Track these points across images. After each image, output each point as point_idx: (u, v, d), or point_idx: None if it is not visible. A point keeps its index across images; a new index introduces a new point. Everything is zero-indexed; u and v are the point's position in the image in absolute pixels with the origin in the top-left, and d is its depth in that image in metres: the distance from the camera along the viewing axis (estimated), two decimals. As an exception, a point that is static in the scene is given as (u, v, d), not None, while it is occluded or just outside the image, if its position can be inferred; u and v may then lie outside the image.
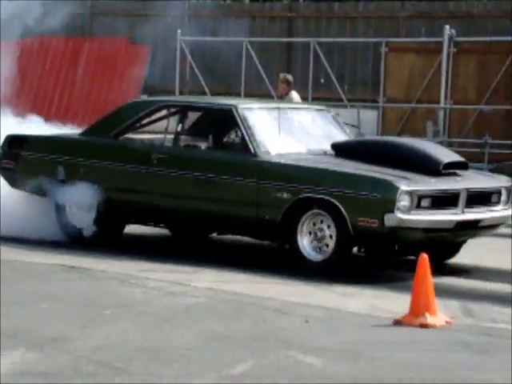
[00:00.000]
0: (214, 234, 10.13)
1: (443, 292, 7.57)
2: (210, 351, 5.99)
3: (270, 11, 21.96)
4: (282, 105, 9.42)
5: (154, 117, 10.03)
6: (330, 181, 8.64)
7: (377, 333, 6.67)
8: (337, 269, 8.48)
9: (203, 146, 9.44)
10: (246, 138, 9.06)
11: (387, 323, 6.84)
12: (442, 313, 6.95)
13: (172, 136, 9.60)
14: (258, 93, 19.39)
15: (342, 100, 18.93)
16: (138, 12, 22.70)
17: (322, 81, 19.66)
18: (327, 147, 9.35)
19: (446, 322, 6.87)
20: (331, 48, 20.50)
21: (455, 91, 19.21)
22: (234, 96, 19.07)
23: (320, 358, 5.88)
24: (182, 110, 9.82)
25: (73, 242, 9.60)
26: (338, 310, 7.35)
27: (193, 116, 10.19)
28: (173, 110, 10.01)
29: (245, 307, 7.30)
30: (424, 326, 6.70)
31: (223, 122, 9.66)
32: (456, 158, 9.30)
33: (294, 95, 13.33)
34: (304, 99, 17.67)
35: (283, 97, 13.36)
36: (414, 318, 6.76)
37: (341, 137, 9.76)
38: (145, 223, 9.99)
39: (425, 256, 6.88)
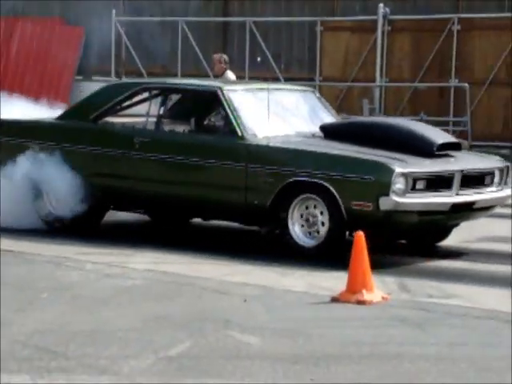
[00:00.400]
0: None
1: (381, 269, 7.63)
2: (147, 333, 5.96)
3: (205, -10, 21.86)
4: (267, 86, 9.20)
5: (134, 99, 9.82)
6: (322, 164, 8.43)
7: (314, 310, 6.70)
8: (330, 254, 8.28)
9: (187, 129, 9.23)
10: (233, 121, 8.87)
11: (325, 300, 6.88)
12: (378, 289, 7.01)
13: (154, 119, 9.39)
14: (195, 73, 19.34)
15: (278, 79, 18.94)
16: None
17: (259, 60, 19.64)
18: (315, 129, 9.18)
19: (383, 297, 6.92)
20: (267, 27, 20.50)
21: (390, 69, 19.36)
22: (171, 76, 18.99)
23: (258, 337, 5.89)
24: (164, 93, 9.63)
25: (52, 230, 9.36)
26: (276, 288, 7.36)
27: (175, 98, 9.95)
28: (154, 92, 9.78)
29: (182, 288, 7.29)
30: (361, 302, 6.75)
31: (208, 105, 9.47)
32: (449, 138, 9.17)
33: (230, 75, 13.29)
34: (241, 78, 17.66)
35: (219, 76, 13.32)
36: (350, 295, 6.80)
37: (328, 118, 9.60)
38: (126, 209, 9.73)
39: (361, 233, 6.92)
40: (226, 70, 13.35)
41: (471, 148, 11.85)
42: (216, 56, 13.74)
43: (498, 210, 9.32)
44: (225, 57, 13.69)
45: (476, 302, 7.06)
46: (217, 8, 21.33)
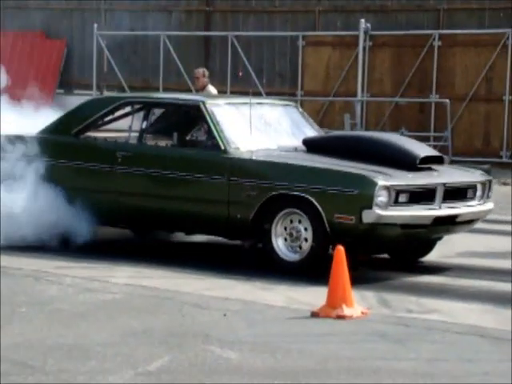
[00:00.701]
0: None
1: (361, 283, 7.64)
2: (126, 347, 5.94)
3: (187, 5, 21.93)
4: (250, 100, 9.23)
5: (117, 114, 9.81)
6: (304, 177, 8.41)
7: (294, 325, 6.69)
8: (313, 269, 8.24)
9: (170, 143, 9.22)
10: (215, 135, 8.85)
11: (304, 315, 6.87)
12: (358, 304, 7.01)
13: (137, 134, 9.37)
14: (177, 87, 19.38)
15: (260, 93, 18.97)
16: (52, 6, 22.44)
17: (240, 74, 19.66)
18: (298, 143, 9.19)
19: (363, 312, 6.93)
20: (249, 42, 20.57)
21: (371, 84, 19.44)
22: (153, 90, 18.99)
23: (237, 352, 5.88)
24: (147, 107, 9.60)
25: (36, 246, 9.19)
26: (256, 303, 7.35)
27: (158, 113, 9.92)
28: (137, 106, 9.77)
29: (162, 302, 7.28)
30: (341, 317, 6.75)
31: (190, 119, 9.45)
32: (432, 152, 9.17)
33: (211, 89, 13.34)
34: (222, 92, 17.70)
35: (201, 91, 13.35)
36: (330, 310, 6.80)
37: (310, 132, 9.60)
38: (109, 224, 9.64)
39: (341, 248, 6.92)
40: (207, 84, 13.40)
41: (452, 163, 11.87)
42: (198, 70, 13.79)
43: (476, 225, 9.35)
44: (205, 71, 13.75)
45: (456, 317, 7.07)
46: (199, 22, 21.39)
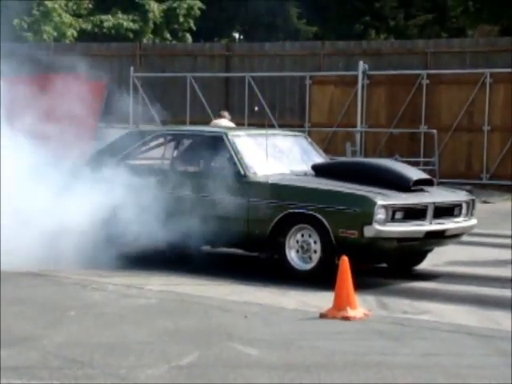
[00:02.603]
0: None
1: (363, 289, 7.61)
2: (160, 345, 5.93)
3: (210, 50, 22.02)
4: (265, 131, 9.25)
5: (151, 144, 9.83)
6: (314, 197, 8.40)
7: (305, 325, 6.67)
8: (321, 276, 8.20)
9: (196, 169, 9.23)
10: (236, 162, 8.86)
11: (314, 316, 6.85)
12: (360, 306, 6.99)
13: (168, 161, 9.43)
14: (201, 120, 19.38)
15: (273, 126, 18.98)
16: (94, 52, 22.57)
17: (256, 109, 19.69)
18: (307, 168, 9.18)
19: (364, 314, 6.90)
20: (263, 81, 20.59)
21: (369, 117, 19.44)
22: (181, 123, 19.03)
23: (256, 349, 5.86)
24: (176, 138, 9.65)
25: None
26: (272, 306, 7.33)
27: (186, 143, 9.86)
28: (168, 138, 9.81)
29: (191, 306, 7.26)
30: (346, 318, 6.72)
31: (214, 148, 9.35)
32: (423, 175, 9.13)
33: (226, 122, 14.28)
34: (241, 125, 17.73)
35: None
36: (337, 312, 6.78)
37: (318, 159, 9.59)
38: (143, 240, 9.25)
39: (345, 258, 6.90)
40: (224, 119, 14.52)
41: (439, 185, 11.82)
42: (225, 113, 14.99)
43: (462, 238, 9.31)
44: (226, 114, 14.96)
45: (445, 317, 7.04)
46: (220, 65, 21.45)
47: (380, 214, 8.12)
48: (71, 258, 8.68)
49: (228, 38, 35.80)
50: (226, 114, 15.09)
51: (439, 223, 8.59)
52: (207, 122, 19.08)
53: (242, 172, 8.84)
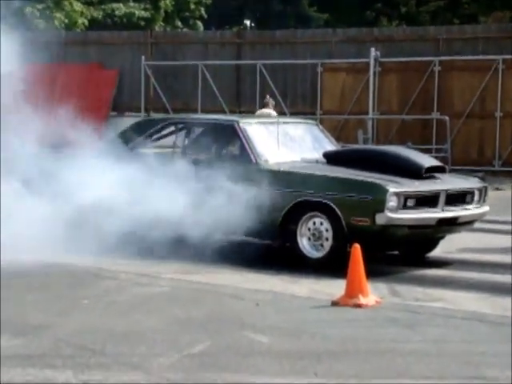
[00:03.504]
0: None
1: (375, 276, 7.58)
2: (172, 333, 5.94)
3: (221, 38, 21.97)
4: (277, 119, 9.17)
5: (163, 132, 9.81)
6: (325, 185, 8.37)
7: (317, 313, 6.66)
8: (333, 264, 8.17)
9: (208, 157, 9.16)
10: (248, 150, 8.84)
11: (326, 304, 6.84)
12: (372, 294, 6.97)
13: (179, 149, 9.40)
14: (213, 109, 19.39)
15: (285, 113, 18.96)
16: (106, 41, 22.55)
17: (268, 97, 19.66)
18: (318, 156, 9.14)
19: (376, 301, 6.88)
20: (274, 69, 20.54)
21: (381, 104, 19.37)
22: (192, 112, 19.02)
23: (269, 336, 5.86)
24: (188, 126, 9.62)
25: None
26: (284, 294, 7.33)
27: (198, 131, 9.79)
28: (180, 126, 9.78)
29: (203, 294, 7.26)
30: (357, 305, 6.71)
31: (225, 136, 9.32)
32: (435, 162, 9.10)
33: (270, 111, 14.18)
34: (252, 112, 17.69)
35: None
36: (349, 299, 6.77)
37: (329, 146, 9.55)
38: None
39: (357, 246, 6.89)
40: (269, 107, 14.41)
41: (451, 172, 11.78)
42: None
43: (475, 225, 9.28)
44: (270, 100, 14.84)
45: (458, 304, 7.02)
46: (231, 52, 21.40)
47: (392, 202, 8.09)
48: None
49: (239, 25, 35.70)
50: (270, 100, 14.83)
51: (451, 210, 8.56)
52: (218, 111, 19.11)
53: (254, 160, 8.82)
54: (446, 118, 18.24)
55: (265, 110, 14.34)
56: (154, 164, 9.30)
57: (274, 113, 14.10)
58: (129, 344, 5.63)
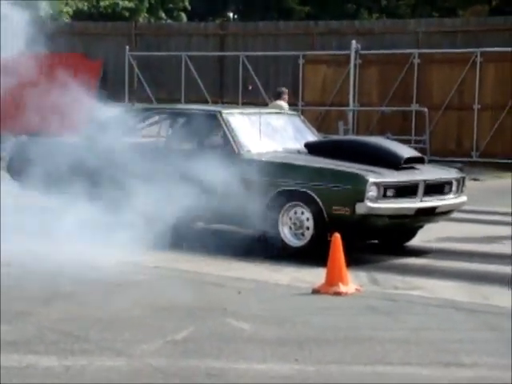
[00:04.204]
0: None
1: (355, 265, 7.60)
2: (156, 320, 5.92)
3: (204, 30, 21.91)
4: (259, 110, 9.15)
5: (146, 122, 9.78)
6: (307, 175, 8.36)
7: (298, 300, 6.67)
8: (314, 252, 8.16)
9: (191, 146, 9.12)
10: (230, 139, 8.81)
11: (307, 292, 6.85)
12: (352, 282, 6.98)
13: (163, 139, 9.32)
14: (196, 99, 19.33)
15: (267, 104, 18.91)
16: (91, 31, 22.43)
17: (250, 88, 19.66)
18: (300, 146, 9.13)
19: (356, 289, 6.90)
20: (257, 60, 20.51)
21: (361, 96, 19.39)
22: (176, 102, 18.96)
23: (250, 324, 5.86)
24: (172, 116, 9.57)
25: None
26: (266, 282, 7.33)
27: (181, 121, 9.74)
28: (163, 115, 9.75)
29: (186, 282, 7.25)
30: (338, 293, 6.72)
31: (208, 126, 9.27)
32: (414, 153, 9.11)
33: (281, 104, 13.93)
34: (235, 103, 17.67)
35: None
36: (329, 287, 6.78)
37: (310, 137, 9.53)
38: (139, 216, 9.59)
39: (337, 235, 6.89)
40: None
41: (430, 163, 11.81)
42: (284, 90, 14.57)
43: (452, 215, 9.31)
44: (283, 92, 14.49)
45: (435, 293, 7.05)
46: (214, 44, 21.35)
47: (372, 192, 8.10)
48: None
49: (222, 17, 35.60)
50: (283, 90, 14.62)
51: (430, 200, 8.58)
52: (202, 101, 19.05)
53: (236, 150, 8.80)
54: (425, 109, 18.29)
55: (277, 102, 14.16)
56: (139, 153, 9.28)
57: (286, 105, 13.98)
58: (113, 331, 5.61)
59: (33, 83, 10.79)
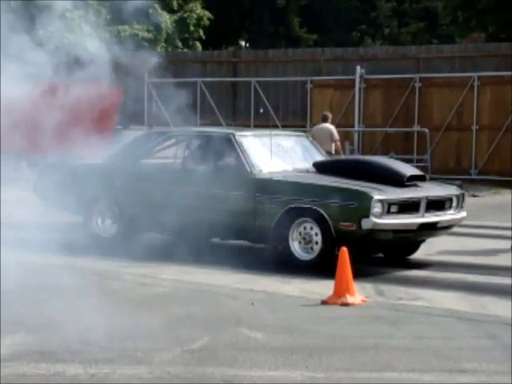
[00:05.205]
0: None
1: (361, 277, 7.59)
2: (174, 330, 5.92)
3: (218, 57, 22.00)
4: (270, 132, 9.23)
5: (165, 144, 9.82)
6: (315, 193, 8.36)
7: (308, 311, 6.66)
8: (323, 266, 8.16)
9: (206, 167, 9.10)
10: (243, 160, 8.81)
11: (316, 303, 6.84)
12: (359, 293, 6.97)
13: (180, 160, 9.40)
14: (211, 122, 19.39)
15: (277, 126, 18.97)
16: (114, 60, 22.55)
17: (261, 111, 19.68)
18: (309, 166, 9.15)
19: (362, 300, 6.88)
20: (267, 85, 20.57)
21: (366, 118, 19.41)
22: (192, 125, 18.99)
23: (263, 333, 5.85)
24: (188, 139, 9.62)
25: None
26: (277, 293, 7.32)
27: (196, 143, 9.74)
28: (180, 138, 9.79)
29: (202, 294, 7.25)
30: (345, 304, 6.71)
31: (222, 147, 9.28)
32: (416, 171, 9.11)
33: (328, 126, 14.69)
34: (247, 126, 17.71)
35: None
36: (337, 298, 6.77)
37: (318, 157, 9.55)
38: (157, 232, 9.62)
39: (344, 249, 6.88)
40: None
41: (431, 180, 11.80)
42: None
43: (453, 230, 9.28)
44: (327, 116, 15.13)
45: (437, 303, 7.02)
46: (228, 70, 21.43)
47: (376, 208, 8.09)
48: None
49: (235, 45, 35.75)
50: (328, 114, 15.12)
51: (431, 216, 8.56)
52: (216, 124, 19.11)
53: (248, 169, 8.81)
54: (426, 130, 18.29)
55: (323, 125, 14.63)
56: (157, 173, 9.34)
57: (333, 128, 14.56)
58: (133, 340, 5.61)
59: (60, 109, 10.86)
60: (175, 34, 30.85)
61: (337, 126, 19.47)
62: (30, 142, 10.25)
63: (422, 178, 9.00)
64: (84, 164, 10.05)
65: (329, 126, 14.67)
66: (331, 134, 14.56)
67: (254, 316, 6.41)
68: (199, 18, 30.74)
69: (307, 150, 9.74)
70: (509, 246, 9.68)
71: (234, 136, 9.11)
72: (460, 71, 18.65)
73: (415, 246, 9.20)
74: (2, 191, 9.52)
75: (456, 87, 18.58)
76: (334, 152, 14.32)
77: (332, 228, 8.18)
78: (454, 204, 8.87)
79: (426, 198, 8.52)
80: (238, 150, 8.95)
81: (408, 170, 9.03)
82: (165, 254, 9.19)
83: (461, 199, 8.98)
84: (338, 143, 14.78)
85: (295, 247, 8.44)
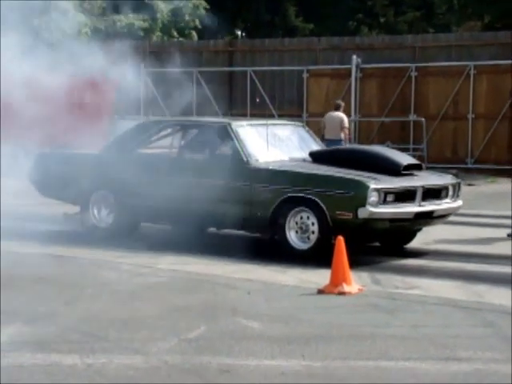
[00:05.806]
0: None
1: (357, 266, 7.59)
2: (171, 320, 5.93)
3: (214, 47, 21.94)
4: (266, 121, 9.21)
5: (161, 134, 9.79)
6: (311, 182, 8.34)
7: (304, 300, 6.66)
8: (319, 255, 8.15)
9: (202, 156, 9.10)
10: (239, 149, 8.78)
11: (312, 292, 6.84)
12: (355, 282, 6.97)
13: (176, 149, 9.34)
14: (207, 112, 19.34)
15: (273, 115, 18.95)
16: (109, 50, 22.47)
17: (258, 100, 19.66)
18: (305, 155, 9.13)
19: (359, 289, 6.89)
20: (264, 75, 20.53)
21: (362, 107, 19.39)
22: (188, 115, 18.97)
23: (259, 322, 5.85)
24: (184, 128, 9.57)
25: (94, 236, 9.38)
26: (274, 283, 7.32)
27: (193, 132, 9.73)
28: (176, 127, 9.75)
29: (199, 283, 7.25)
30: (342, 293, 6.71)
31: (219, 137, 9.24)
32: (412, 160, 9.09)
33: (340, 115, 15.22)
34: (243, 115, 17.69)
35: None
36: (333, 288, 6.77)
37: (315, 146, 9.53)
38: (153, 222, 9.64)
39: (341, 238, 6.88)
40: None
41: (427, 169, 11.80)
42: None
43: (449, 218, 9.29)
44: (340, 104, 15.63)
45: (433, 291, 7.03)
46: (224, 60, 21.37)
47: (373, 197, 8.09)
48: None
49: (231, 35, 35.66)
50: (341, 103, 15.55)
51: (428, 205, 8.57)
52: (212, 114, 19.07)
53: (245, 159, 8.79)
54: (423, 119, 18.27)
55: (335, 113, 15.18)
56: (152, 163, 9.32)
57: (344, 116, 15.04)
58: (130, 330, 5.61)
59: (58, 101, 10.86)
60: (171, 23, 30.77)
61: (333, 116, 19.57)
62: (23, 132, 10.24)
63: (418, 167, 9.00)
64: (80, 154, 10.03)
65: (340, 114, 15.28)
66: (342, 121, 15.20)
67: (250, 305, 6.41)
68: (195, 7, 30.61)
69: (303, 140, 9.73)
70: (505, 235, 9.69)
71: (230, 125, 9.09)
72: (456, 60, 18.62)
73: (411, 235, 9.21)
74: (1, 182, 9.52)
75: (452, 76, 18.56)
76: (343, 139, 15.02)
77: (328, 217, 8.18)
78: (450, 193, 8.87)
79: (423, 186, 8.52)
80: (235, 139, 8.93)
81: (404, 158, 9.02)
82: (161, 243, 9.18)
83: (457, 188, 8.98)
84: (347, 131, 15.45)
85: (292, 236, 8.44)
